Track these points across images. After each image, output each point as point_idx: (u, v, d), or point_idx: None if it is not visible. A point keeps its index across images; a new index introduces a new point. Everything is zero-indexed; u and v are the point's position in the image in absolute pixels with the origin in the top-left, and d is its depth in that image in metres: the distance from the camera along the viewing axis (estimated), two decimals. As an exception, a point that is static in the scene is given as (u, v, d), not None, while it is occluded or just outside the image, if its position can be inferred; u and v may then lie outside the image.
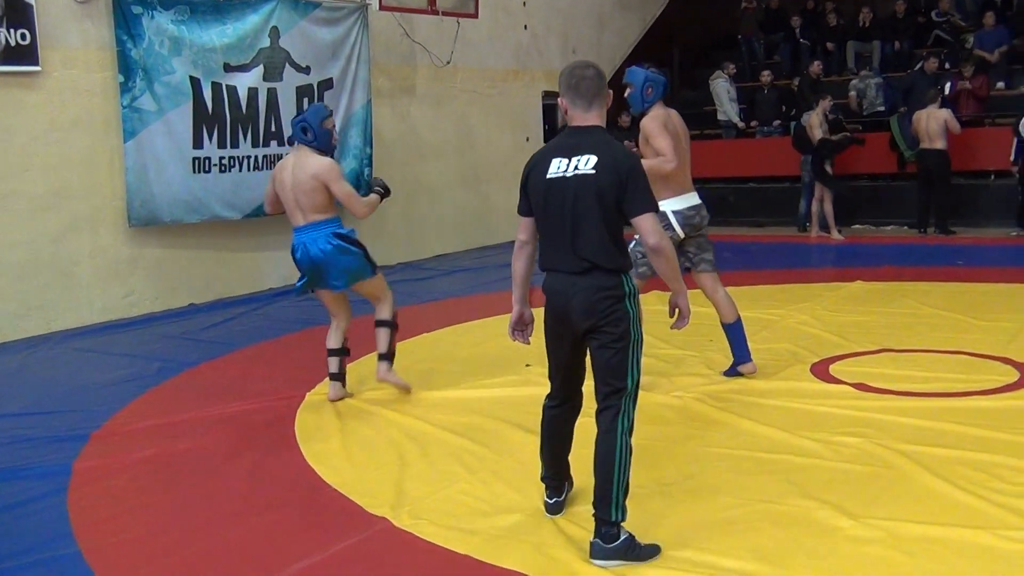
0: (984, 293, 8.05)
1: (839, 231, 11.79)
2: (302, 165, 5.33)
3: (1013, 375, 5.51)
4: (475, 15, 11.63)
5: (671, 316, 3.73)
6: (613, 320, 3.37)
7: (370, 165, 10.49)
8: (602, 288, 3.37)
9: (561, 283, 3.46)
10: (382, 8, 10.43)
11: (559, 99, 3.61)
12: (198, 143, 8.84)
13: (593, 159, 3.38)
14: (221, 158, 9.03)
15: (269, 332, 7.75)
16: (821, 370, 5.76)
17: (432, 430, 4.95)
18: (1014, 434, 4.47)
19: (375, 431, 5.00)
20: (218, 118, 8.96)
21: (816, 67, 13.64)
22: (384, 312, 5.64)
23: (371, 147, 10.50)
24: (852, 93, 13.47)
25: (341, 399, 5.58)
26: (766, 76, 14.00)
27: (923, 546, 3.40)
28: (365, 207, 5.56)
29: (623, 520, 3.36)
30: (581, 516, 3.73)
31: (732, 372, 5.62)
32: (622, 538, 3.34)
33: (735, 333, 5.57)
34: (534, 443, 4.63)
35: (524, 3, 13.20)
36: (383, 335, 5.59)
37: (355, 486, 4.21)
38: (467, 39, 11.95)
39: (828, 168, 11.68)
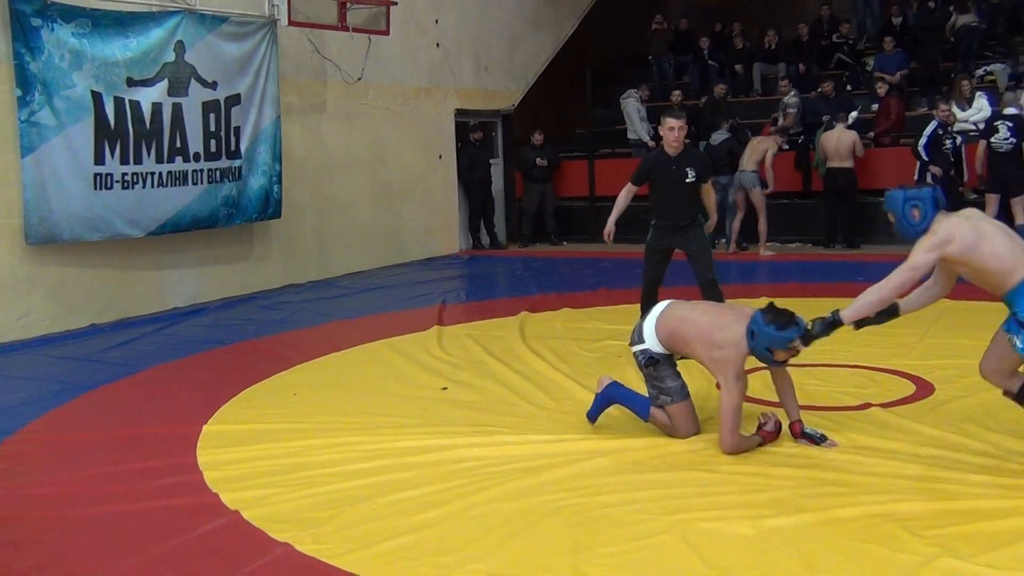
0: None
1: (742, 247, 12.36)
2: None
3: (909, 388, 5.68)
4: (387, 32, 11.57)
5: None
6: None
7: (279, 182, 10.35)
8: None
9: None
10: (291, 24, 10.30)
11: None
12: (99, 159, 8.59)
13: None
14: (124, 174, 8.79)
15: (173, 353, 7.57)
16: (726, 386, 5.85)
17: (340, 455, 4.86)
18: (907, 445, 4.61)
19: (279, 457, 4.89)
20: (121, 133, 8.74)
21: (720, 89, 13.96)
22: None
23: (280, 164, 10.37)
24: (792, 111, 13.30)
25: None
26: (676, 96, 14.24)
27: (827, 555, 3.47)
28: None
29: None
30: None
31: None
32: None
33: None
34: (444, 464, 4.65)
35: (436, 21, 13.20)
36: None
37: (257, 511, 4.13)
38: (378, 56, 11.89)
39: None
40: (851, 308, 4.36)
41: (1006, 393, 4.41)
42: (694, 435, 4.82)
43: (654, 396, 4.89)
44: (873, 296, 4.37)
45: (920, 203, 4.34)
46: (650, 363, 4.84)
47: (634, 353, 4.94)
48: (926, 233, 4.32)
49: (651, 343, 4.84)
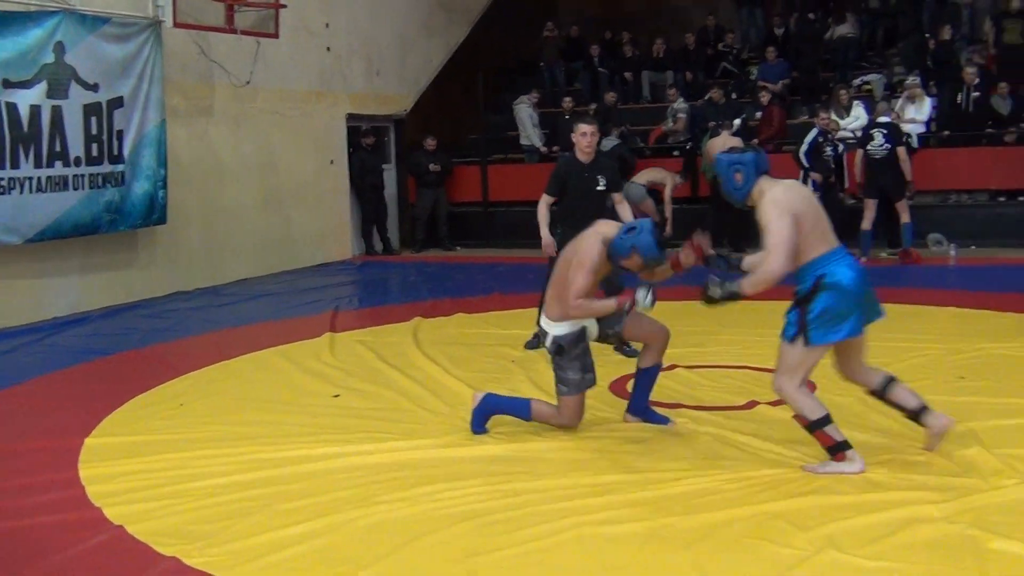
0: (768, 311, 8.45)
1: None
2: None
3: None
4: (276, 35, 11.40)
5: None
6: None
7: (164, 187, 10.09)
8: None
9: None
10: (176, 25, 10.07)
11: None
12: (-27, 163, 8.27)
13: None
14: (0, 179, 8.47)
15: (53, 364, 7.30)
16: (619, 387, 5.94)
17: (228, 466, 4.76)
18: (793, 442, 4.74)
19: (165, 469, 4.76)
20: (-4, 137, 8.42)
21: (610, 96, 14.25)
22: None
23: (165, 168, 10.10)
24: (682, 116, 13.76)
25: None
26: (567, 103, 14.42)
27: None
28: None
29: None
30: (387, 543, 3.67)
31: None
32: None
33: None
34: (335, 473, 4.59)
35: (327, 24, 13.06)
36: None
37: (143, 525, 4.01)
38: (268, 59, 11.71)
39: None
40: (748, 282, 4.51)
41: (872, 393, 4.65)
42: (576, 425, 5.02)
43: (556, 385, 5.04)
44: (766, 272, 4.40)
45: (743, 167, 4.47)
46: (558, 351, 4.96)
47: (547, 348, 5.07)
48: (749, 196, 4.48)
49: (552, 328, 4.98)
